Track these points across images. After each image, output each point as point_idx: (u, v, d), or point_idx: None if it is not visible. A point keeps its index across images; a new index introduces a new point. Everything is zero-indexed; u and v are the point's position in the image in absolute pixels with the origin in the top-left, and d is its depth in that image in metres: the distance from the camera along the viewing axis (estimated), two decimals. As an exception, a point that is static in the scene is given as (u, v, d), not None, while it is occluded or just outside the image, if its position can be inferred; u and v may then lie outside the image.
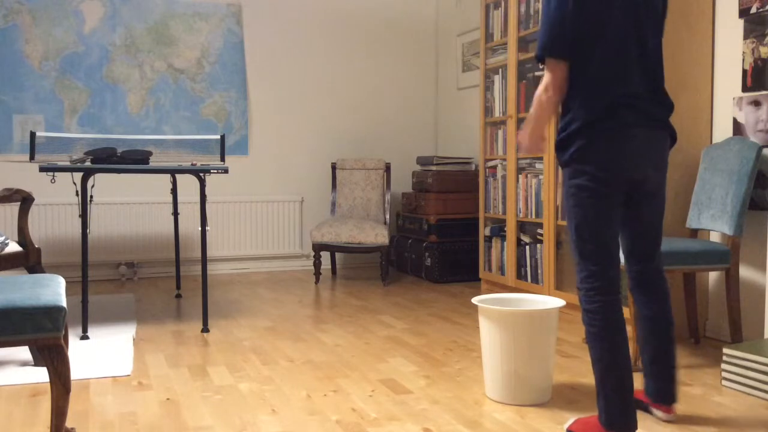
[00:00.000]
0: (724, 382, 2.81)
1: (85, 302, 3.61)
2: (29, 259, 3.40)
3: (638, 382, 2.72)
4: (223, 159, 4.43)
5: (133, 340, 3.59)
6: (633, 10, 2.15)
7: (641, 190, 2.24)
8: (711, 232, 3.60)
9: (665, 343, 2.36)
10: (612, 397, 2.13)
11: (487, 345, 2.63)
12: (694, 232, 3.45)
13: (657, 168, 2.24)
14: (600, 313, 2.15)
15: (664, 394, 2.38)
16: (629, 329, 3.20)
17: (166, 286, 5.23)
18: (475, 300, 2.72)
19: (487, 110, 4.98)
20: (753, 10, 3.37)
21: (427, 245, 5.41)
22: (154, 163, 4.68)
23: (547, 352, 2.58)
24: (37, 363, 3.09)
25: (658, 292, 2.38)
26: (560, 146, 2.21)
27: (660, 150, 2.23)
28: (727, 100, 3.54)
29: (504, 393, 2.60)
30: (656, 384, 2.38)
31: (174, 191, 4.67)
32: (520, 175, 4.57)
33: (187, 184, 5.67)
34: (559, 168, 4.18)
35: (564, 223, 4.15)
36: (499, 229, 4.87)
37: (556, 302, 2.71)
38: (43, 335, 1.97)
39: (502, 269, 4.82)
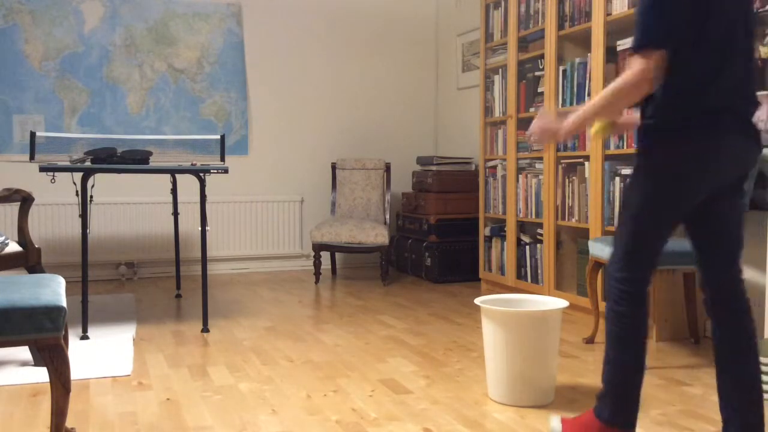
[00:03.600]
0: (724, 382, 2.81)
1: (85, 302, 3.61)
2: (29, 259, 3.40)
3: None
4: (223, 159, 4.43)
5: (133, 340, 3.59)
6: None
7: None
8: (711, 232, 3.59)
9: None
10: (633, 395, 2.07)
11: (491, 346, 2.63)
12: (694, 232, 3.45)
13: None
14: (646, 314, 2.05)
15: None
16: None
17: (166, 286, 5.23)
18: (477, 301, 2.72)
19: (487, 110, 4.98)
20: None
21: (427, 245, 5.41)
22: (154, 163, 4.68)
23: (551, 353, 2.58)
24: (37, 363, 3.09)
25: None
26: (649, 135, 2.00)
27: (752, 156, 2.02)
28: (727, 100, 3.53)
29: (508, 394, 2.60)
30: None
31: (174, 191, 4.67)
32: (520, 175, 4.56)
33: (187, 184, 5.67)
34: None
35: (563, 223, 4.15)
36: (499, 229, 4.87)
37: (558, 302, 2.71)
38: (43, 335, 1.97)
39: (502, 269, 4.82)
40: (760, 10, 3.33)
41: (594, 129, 2.15)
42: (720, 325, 2.10)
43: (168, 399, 2.68)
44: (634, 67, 1.89)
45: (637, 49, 1.90)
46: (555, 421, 2.26)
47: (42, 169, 3.52)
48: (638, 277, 2.03)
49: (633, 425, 2.12)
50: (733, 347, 2.06)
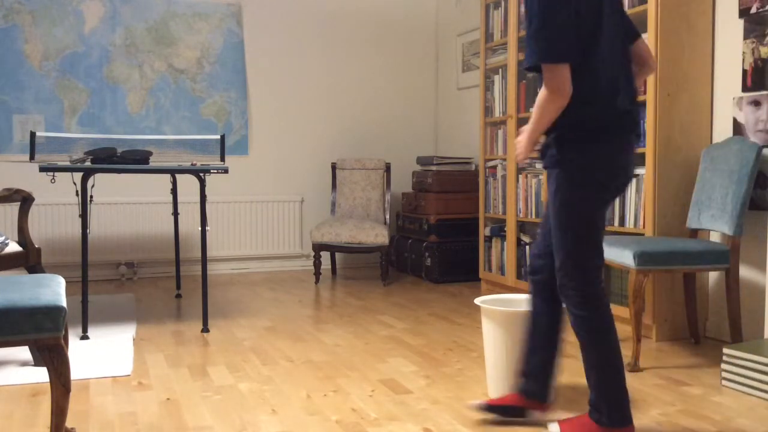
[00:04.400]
0: (724, 382, 2.81)
1: (85, 302, 3.61)
2: (29, 259, 3.40)
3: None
4: (223, 159, 4.43)
5: (133, 340, 3.59)
6: (611, 9, 2.13)
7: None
8: (711, 232, 3.60)
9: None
10: (622, 389, 2.17)
11: (491, 346, 2.63)
12: (694, 232, 3.45)
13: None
14: (608, 308, 2.17)
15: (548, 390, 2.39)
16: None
17: (166, 286, 5.23)
18: (477, 301, 2.72)
19: (487, 110, 4.98)
20: (753, 10, 3.37)
21: (427, 245, 5.40)
22: (154, 163, 4.68)
23: (547, 352, 2.58)
24: (37, 363, 3.09)
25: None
26: (560, 150, 2.14)
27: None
28: (727, 100, 3.54)
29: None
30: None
31: (174, 191, 4.67)
32: (520, 175, 4.57)
33: (187, 184, 5.67)
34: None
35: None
36: (499, 229, 4.87)
37: (556, 302, 2.71)
38: (43, 335, 1.97)
39: (502, 269, 4.82)
40: (760, 10, 3.33)
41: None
42: (538, 290, 2.36)
43: (168, 399, 2.68)
44: (548, 84, 2.02)
45: (542, 64, 2.01)
46: (553, 426, 2.30)
47: (42, 169, 3.52)
48: (591, 278, 2.14)
49: (630, 420, 2.16)
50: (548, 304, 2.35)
